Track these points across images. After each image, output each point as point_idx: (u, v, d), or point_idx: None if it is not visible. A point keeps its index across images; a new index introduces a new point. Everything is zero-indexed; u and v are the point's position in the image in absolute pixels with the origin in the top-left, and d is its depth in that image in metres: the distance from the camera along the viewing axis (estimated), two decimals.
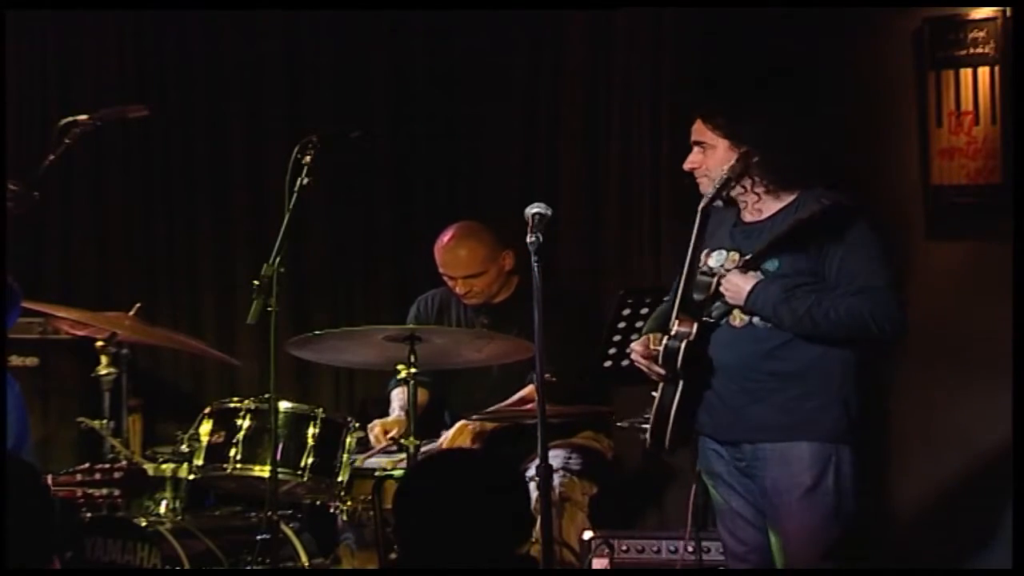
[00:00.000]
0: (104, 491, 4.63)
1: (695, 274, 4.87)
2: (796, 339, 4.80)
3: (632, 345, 5.02)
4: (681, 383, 4.88)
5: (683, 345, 4.83)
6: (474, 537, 3.43)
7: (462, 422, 6.01)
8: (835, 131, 6.03)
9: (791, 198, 4.89)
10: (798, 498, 4.80)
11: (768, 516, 4.87)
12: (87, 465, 4.67)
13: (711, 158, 4.91)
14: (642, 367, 4.95)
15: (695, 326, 4.85)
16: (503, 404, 5.97)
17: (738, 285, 4.83)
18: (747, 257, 4.84)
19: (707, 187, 4.91)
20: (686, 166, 4.97)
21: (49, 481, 4.56)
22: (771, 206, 4.91)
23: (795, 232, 4.78)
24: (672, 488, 6.39)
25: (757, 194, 4.90)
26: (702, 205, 4.81)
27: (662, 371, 4.89)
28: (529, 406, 5.45)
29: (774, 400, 4.83)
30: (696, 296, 4.88)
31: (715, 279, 4.86)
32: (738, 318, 4.86)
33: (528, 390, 5.98)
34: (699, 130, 4.95)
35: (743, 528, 4.98)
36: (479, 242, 6.16)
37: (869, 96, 6.29)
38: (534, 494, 5.57)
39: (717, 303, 4.87)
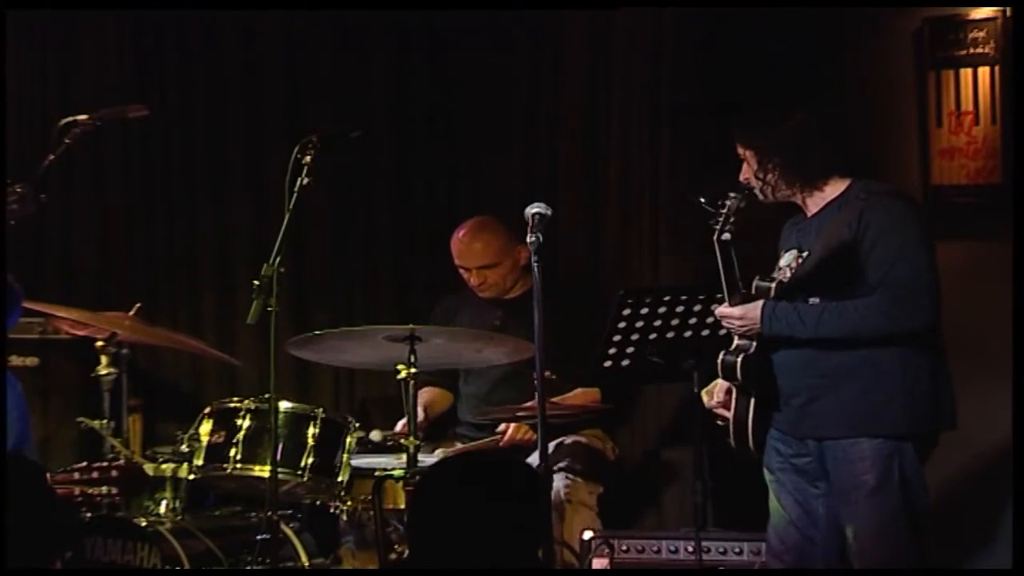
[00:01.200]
0: (102, 489, 4.63)
1: (735, 294, 4.88)
2: None
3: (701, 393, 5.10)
4: (754, 393, 4.91)
5: (740, 359, 4.89)
6: (491, 540, 3.42)
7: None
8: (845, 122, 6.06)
9: (840, 189, 4.93)
10: (864, 497, 4.82)
11: (840, 514, 4.89)
12: (85, 464, 4.67)
13: (749, 170, 4.98)
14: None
15: (754, 341, 4.90)
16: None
17: (753, 317, 4.86)
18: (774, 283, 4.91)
19: (763, 197, 4.98)
20: (740, 179, 5.00)
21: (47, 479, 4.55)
22: (818, 200, 4.97)
23: (825, 259, 4.82)
24: (672, 488, 6.38)
25: (787, 195, 4.96)
26: (715, 237, 4.80)
27: (727, 414, 4.98)
28: (529, 404, 5.44)
29: (835, 396, 4.86)
30: None
31: (774, 284, 4.90)
32: None
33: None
34: (737, 146, 5.01)
35: (785, 527, 5.01)
36: (494, 234, 6.23)
37: (869, 96, 6.29)
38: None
39: None
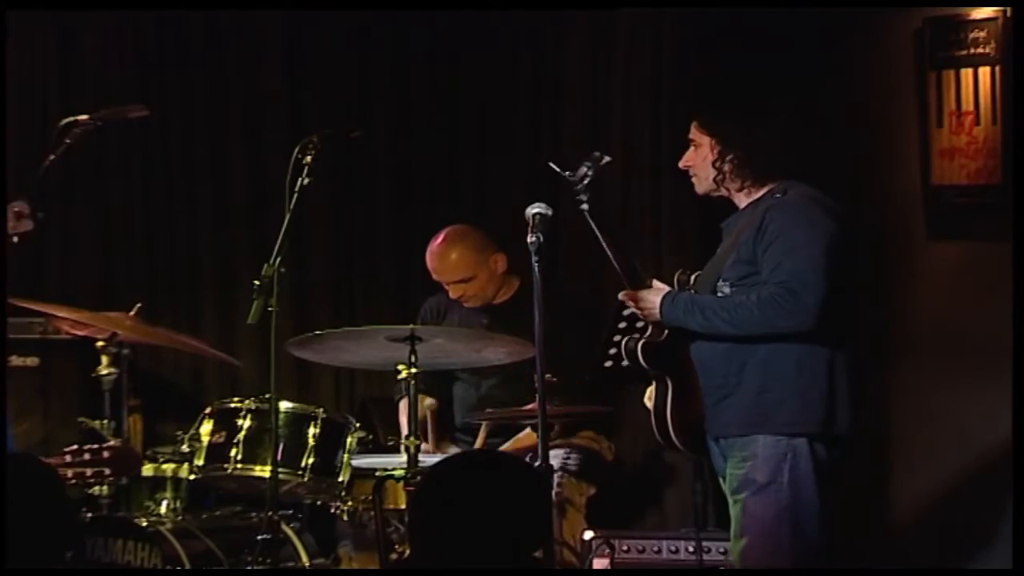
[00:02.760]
0: (94, 470, 4.64)
1: (634, 276, 4.97)
2: None
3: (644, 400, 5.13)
4: (670, 382, 4.92)
5: (640, 344, 4.93)
6: (492, 539, 3.43)
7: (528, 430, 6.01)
8: (818, 126, 6.08)
9: (760, 193, 4.95)
10: (751, 494, 4.84)
11: (732, 514, 4.90)
12: (76, 447, 4.68)
13: (698, 156, 5.02)
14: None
15: (665, 329, 4.94)
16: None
17: (652, 302, 4.96)
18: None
19: (698, 187, 5.03)
20: (680, 164, 5.09)
21: None
22: (742, 200, 5.02)
23: (729, 255, 4.92)
24: (672, 488, 6.39)
25: (728, 189, 5.00)
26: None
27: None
28: (530, 406, 5.44)
29: (738, 394, 4.89)
30: None
31: (693, 277, 5.00)
32: None
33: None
34: (692, 129, 5.06)
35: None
36: (467, 247, 6.19)
37: (870, 96, 6.30)
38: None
39: None
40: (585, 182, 4.91)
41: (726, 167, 4.95)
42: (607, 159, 4.95)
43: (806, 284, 4.76)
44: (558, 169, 4.95)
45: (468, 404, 6.27)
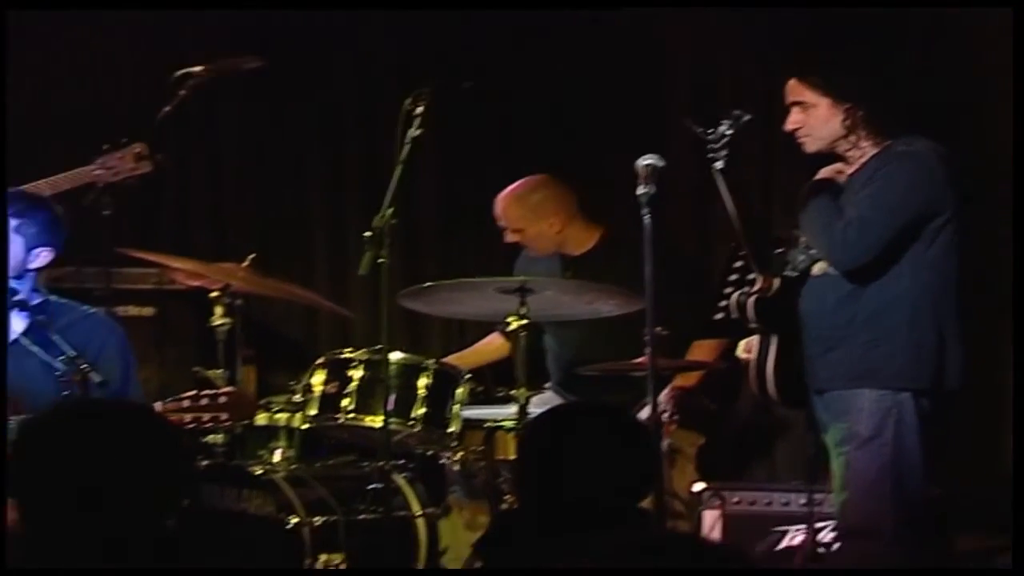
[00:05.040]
0: (211, 415, 4.72)
1: (750, 230, 4.91)
2: (867, 286, 4.81)
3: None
4: (775, 337, 4.89)
5: (751, 300, 4.88)
6: (598, 486, 3.44)
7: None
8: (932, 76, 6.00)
9: (879, 148, 4.88)
10: (855, 448, 4.81)
11: (835, 468, 4.87)
12: (194, 392, 4.75)
13: (813, 117, 4.91)
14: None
15: (775, 281, 4.90)
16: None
17: None
18: None
19: (811, 146, 4.93)
20: (788, 126, 4.97)
21: (159, 407, 4.65)
22: (860, 157, 4.93)
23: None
24: (783, 440, 6.36)
25: (863, 148, 4.89)
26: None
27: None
28: (641, 360, 5.42)
29: (844, 348, 4.85)
30: (780, 250, 4.95)
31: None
32: (817, 267, 4.87)
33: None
34: (795, 89, 4.94)
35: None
36: (522, 202, 6.12)
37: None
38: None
39: (801, 256, 4.88)
40: (723, 141, 4.84)
41: (858, 123, 4.85)
42: (747, 117, 4.87)
43: (872, 223, 4.75)
44: (696, 127, 4.89)
45: (563, 361, 6.23)
